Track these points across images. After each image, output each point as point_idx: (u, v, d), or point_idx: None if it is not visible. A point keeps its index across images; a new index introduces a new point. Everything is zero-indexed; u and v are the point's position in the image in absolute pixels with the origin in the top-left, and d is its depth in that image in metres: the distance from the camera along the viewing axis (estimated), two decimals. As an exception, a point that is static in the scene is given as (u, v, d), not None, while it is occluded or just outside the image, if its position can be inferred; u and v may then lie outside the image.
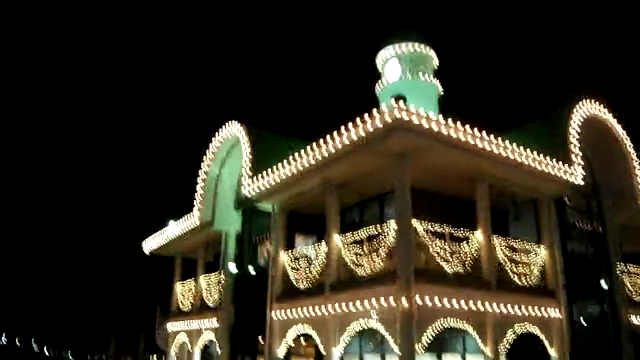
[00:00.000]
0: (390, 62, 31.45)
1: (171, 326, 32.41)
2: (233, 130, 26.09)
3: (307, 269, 21.22)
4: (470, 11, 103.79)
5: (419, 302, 16.45)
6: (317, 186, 21.00)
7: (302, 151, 19.86)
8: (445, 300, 17.09)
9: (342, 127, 17.99)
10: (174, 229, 30.70)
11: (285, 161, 20.85)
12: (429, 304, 16.74)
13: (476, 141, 18.00)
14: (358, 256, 18.93)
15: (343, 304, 18.59)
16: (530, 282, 20.30)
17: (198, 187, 27.94)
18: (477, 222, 19.53)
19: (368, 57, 34.43)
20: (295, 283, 21.64)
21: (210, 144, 27.81)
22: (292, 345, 22.56)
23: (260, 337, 23.80)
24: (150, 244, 34.40)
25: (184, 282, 32.66)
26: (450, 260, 18.13)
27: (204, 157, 28.13)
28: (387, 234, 17.90)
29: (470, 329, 18.02)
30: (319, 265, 20.52)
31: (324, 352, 19.54)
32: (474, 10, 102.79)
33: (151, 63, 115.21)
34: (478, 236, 19.09)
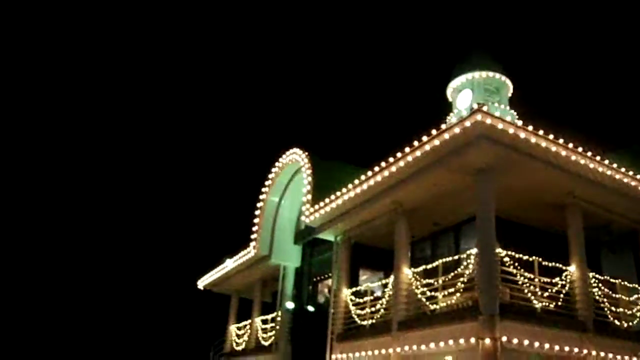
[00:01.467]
0: (463, 92, 29.13)
1: (224, 369, 30.31)
2: (294, 156, 24.20)
3: (372, 305, 18.85)
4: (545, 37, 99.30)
5: (505, 342, 13.88)
6: (385, 212, 18.75)
7: (370, 172, 17.68)
8: (535, 342, 14.46)
9: (415, 141, 15.81)
10: (229, 264, 28.80)
11: (350, 185, 18.68)
12: (516, 345, 14.15)
13: (572, 156, 15.51)
14: (431, 290, 16.54)
15: (413, 344, 16.10)
16: (632, 326, 17.43)
17: (256, 217, 25.96)
18: (569, 255, 16.90)
19: (438, 86, 32.21)
20: (358, 321, 19.23)
21: (270, 171, 25.96)
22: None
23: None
24: (204, 280, 32.56)
25: (240, 323, 30.59)
26: (540, 295, 15.55)
27: (264, 185, 26.26)
28: (467, 263, 15.48)
29: (564, 378, 15.33)
30: (386, 300, 18.12)
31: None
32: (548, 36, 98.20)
33: (205, 88, 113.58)
34: (571, 270, 16.47)
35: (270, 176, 25.97)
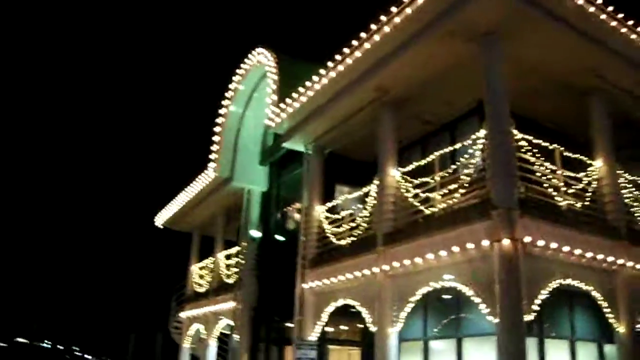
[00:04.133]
0: None
1: (185, 314, 26.87)
2: (260, 57, 20.52)
3: (351, 220, 15.53)
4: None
5: (529, 244, 10.62)
6: (366, 104, 15.20)
7: (345, 48, 14.15)
8: (565, 246, 11.21)
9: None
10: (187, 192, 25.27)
11: (322, 70, 15.17)
12: (542, 249, 10.91)
13: (602, 16, 12.12)
14: (425, 192, 13.18)
15: (404, 258, 12.78)
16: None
17: (215, 134, 22.34)
18: (593, 151, 13.64)
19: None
20: (334, 241, 15.89)
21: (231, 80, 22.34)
22: (330, 329, 17.01)
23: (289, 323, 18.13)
24: (162, 216, 28.97)
25: (201, 262, 27.12)
26: (564, 192, 12.30)
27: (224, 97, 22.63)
28: (474, 150, 12.11)
29: (597, 295, 12.14)
30: (369, 211, 14.77)
31: (375, 332, 13.67)
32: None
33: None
34: (597, 165, 13.25)
35: (232, 86, 22.29)
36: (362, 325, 16.98)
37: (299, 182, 19.07)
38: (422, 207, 13.05)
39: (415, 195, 13.33)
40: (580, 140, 14.29)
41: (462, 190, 12.05)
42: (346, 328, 19.40)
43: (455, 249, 11.31)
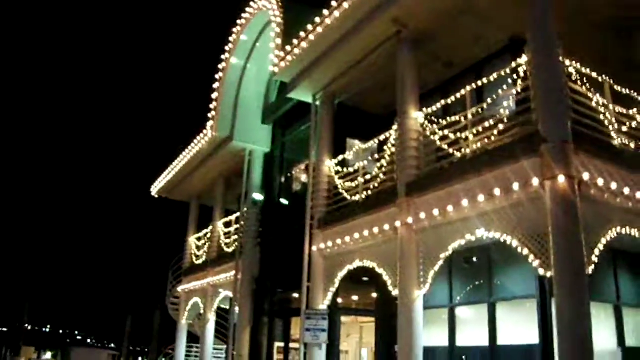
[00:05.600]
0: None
1: (182, 287, 25.20)
2: (263, 2, 18.77)
3: (366, 173, 13.88)
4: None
5: (588, 181, 8.97)
6: (383, 41, 13.46)
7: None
8: (625, 187, 9.59)
9: None
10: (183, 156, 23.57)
11: (333, 2, 13.45)
12: (601, 189, 9.28)
13: None
14: (456, 132, 11.47)
15: (432, 208, 11.12)
16: None
17: (214, 89, 20.58)
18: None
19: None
20: (347, 197, 14.24)
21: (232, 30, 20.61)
22: (339, 300, 15.48)
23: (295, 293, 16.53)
24: (158, 184, 27.26)
25: (199, 233, 25.42)
26: (618, 130, 10.63)
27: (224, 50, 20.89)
28: (515, 79, 10.41)
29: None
30: (387, 161, 13.09)
31: (397, 297, 11.96)
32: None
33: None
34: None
35: (232, 37, 20.52)
36: (376, 295, 15.46)
37: (304, 141, 17.43)
38: (451, 150, 11.35)
39: (443, 138, 11.62)
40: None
41: (501, 126, 10.33)
42: (357, 298, 17.91)
43: (497, 192, 9.63)
